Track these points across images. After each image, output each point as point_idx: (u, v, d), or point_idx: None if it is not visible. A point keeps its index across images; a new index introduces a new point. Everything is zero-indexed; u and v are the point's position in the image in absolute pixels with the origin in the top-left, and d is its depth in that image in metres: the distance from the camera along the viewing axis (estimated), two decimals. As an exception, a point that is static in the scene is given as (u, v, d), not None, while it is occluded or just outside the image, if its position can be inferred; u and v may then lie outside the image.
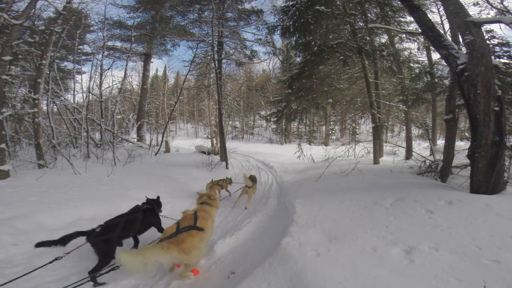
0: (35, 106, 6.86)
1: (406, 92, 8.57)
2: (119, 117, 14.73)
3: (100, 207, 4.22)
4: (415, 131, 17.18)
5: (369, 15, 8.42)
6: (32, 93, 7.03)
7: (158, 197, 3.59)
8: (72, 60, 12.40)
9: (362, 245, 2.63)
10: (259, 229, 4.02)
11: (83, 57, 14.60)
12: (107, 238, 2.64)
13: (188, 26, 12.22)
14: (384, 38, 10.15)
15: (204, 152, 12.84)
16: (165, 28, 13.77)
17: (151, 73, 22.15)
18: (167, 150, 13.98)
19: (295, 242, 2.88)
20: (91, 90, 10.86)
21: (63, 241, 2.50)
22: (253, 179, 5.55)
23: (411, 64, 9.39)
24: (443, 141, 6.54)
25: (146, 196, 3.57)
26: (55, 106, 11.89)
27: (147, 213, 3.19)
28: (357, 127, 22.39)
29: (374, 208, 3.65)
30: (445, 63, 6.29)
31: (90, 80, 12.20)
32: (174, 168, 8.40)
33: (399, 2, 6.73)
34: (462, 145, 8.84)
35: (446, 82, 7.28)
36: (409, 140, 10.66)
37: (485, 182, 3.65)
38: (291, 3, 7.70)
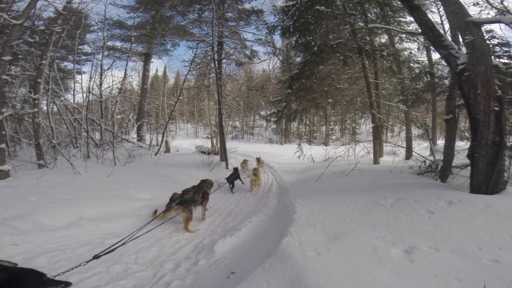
0: (35, 106, 6.85)
1: (406, 92, 8.59)
2: (119, 117, 14.73)
3: (100, 207, 4.22)
4: (415, 131, 17.16)
5: (369, 15, 8.43)
6: (32, 93, 7.03)
7: (238, 168, 7.55)
8: (72, 60, 12.41)
9: (362, 245, 2.63)
10: (259, 229, 4.02)
11: (83, 57, 14.60)
12: (228, 178, 6.61)
13: (188, 26, 12.23)
14: (384, 38, 10.16)
15: (204, 152, 12.81)
16: (165, 28, 13.76)
17: (151, 73, 22.15)
18: (167, 150, 13.96)
19: (295, 242, 2.88)
20: (91, 90, 10.86)
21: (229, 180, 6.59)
22: (258, 160, 9.33)
23: (411, 64, 9.41)
24: (443, 141, 6.54)
25: (233, 167, 7.32)
26: (55, 106, 11.89)
27: (237, 172, 7.01)
28: (357, 127, 22.39)
29: (374, 208, 3.65)
30: (445, 63, 6.30)
31: (90, 80, 12.22)
32: (174, 168, 8.39)
33: (399, 2, 6.74)
34: (462, 145, 8.83)
35: (446, 82, 7.31)
36: (409, 140, 10.66)
37: (485, 182, 3.66)
38: (291, 3, 7.71)
